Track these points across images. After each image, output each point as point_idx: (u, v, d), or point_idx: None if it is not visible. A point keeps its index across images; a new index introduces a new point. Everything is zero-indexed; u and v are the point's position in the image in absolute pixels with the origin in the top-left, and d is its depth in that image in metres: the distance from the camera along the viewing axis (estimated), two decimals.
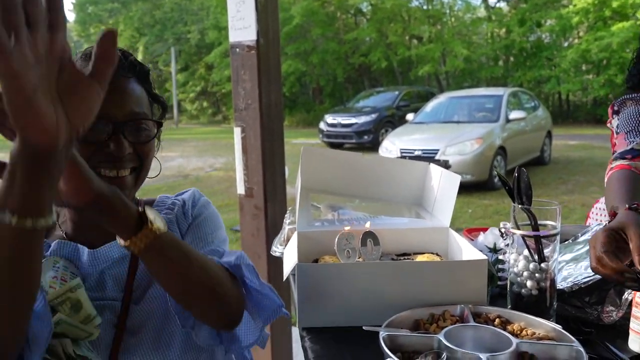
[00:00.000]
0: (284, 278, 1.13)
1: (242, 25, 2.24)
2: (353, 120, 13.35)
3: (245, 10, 2.21)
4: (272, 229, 2.32)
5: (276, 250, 1.41)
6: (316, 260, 1.29)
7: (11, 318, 0.66)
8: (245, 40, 2.23)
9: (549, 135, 10.00)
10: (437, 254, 1.32)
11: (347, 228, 1.33)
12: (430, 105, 10.13)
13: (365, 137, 13.10)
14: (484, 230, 1.51)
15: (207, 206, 1.10)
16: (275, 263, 2.35)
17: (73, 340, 0.81)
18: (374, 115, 13.41)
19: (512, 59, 21.58)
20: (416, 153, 7.79)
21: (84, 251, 0.93)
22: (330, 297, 1.07)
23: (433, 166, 1.56)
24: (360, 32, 22.90)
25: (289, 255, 1.22)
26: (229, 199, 7.29)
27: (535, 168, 9.36)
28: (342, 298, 1.07)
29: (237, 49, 2.26)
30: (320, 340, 1.04)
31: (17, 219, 0.58)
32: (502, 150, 8.00)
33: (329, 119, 13.84)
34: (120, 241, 0.74)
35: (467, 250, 1.21)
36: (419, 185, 1.59)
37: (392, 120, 13.54)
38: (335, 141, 13.62)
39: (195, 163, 11.71)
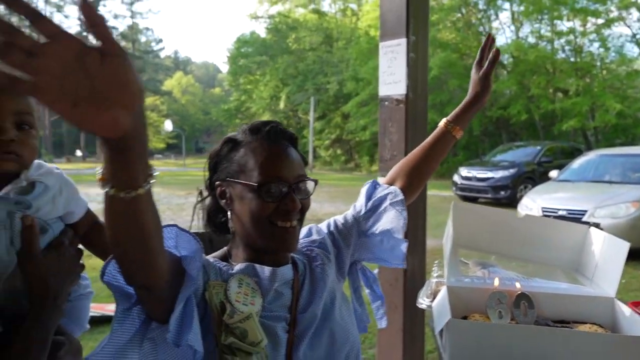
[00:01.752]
0: (436, 332, 1.12)
1: (393, 80, 2.32)
2: (489, 175, 12.84)
3: (396, 66, 2.30)
4: (411, 280, 2.31)
5: (422, 302, 1.40)
6: (465, 318, 1.27)
7: (142, 262, 0.79)
8: (394, 94, 2.31)
9: None
10: (601, 326, 1.22)
11: (496, 283, 1.29)
12: (577, 162, 9.43)
13: (502, 192, 12.50)
14: None
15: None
16: (412, 315, 2.32)
17: (247, 353, 0.96)
18: (512, 170, 12.78)
19: None
20: (560, 213, 7.24)
21: (264, 269, 1.10)
22: (483, 358, 1.04)
23: (594, 230, 1.46)
24: (499, 84, 22.29)
25: (439, 309, 1.21)
26: None
27: None
28: None
29: (386, 102, 2.35)
30: None
31: (113, 191, 0.69)
32: None
33: (464, 171, 13.47)
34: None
35: (638, 326, 1.10)
36: (577, 249, 1.50)
37: (532, 176, 12.80)
38: (470, 195, 13.18)
39: (327, 208, 12.03)
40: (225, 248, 1.19)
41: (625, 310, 1.18)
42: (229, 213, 1.13)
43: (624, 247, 1.23)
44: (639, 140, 20.03)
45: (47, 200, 0.99)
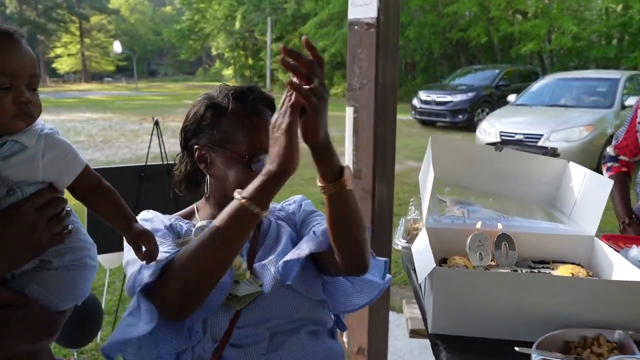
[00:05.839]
0: (420, 280, 1.07)
1: (363, 2, 2.16)
2: (448, 98, 12.87)
3: None
4: (379, 211, 2.27)
5: (399, 243, 1.36)
6: (444, 260, 1.23)
7: (217, 277, 0.96)
8: (364, 18, 2.15)
9: None
10: (580, 265, 1.20)
11: (478, 226, 1.25)
12: (535, 86, 9.50)
13: (460, 116, 12.61)
14: (635, 241, 1.36)
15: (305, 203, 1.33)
16: (380, 238, 2.31)
17: (236, 282, 1.07)
18: (470, 94, 12.84)
19: (627, 37, 19.70)
20: (517, 137, 7.37)
21: None
22: (469, 306, 1.00)
23: (573, 165, 1.42)
24: (460, 5, 21.87)
25: (421, 254, 1.16)
26: None
27: None
28: (483, 309, 1.00)
29: (356, 27, 2.19)
30: (454, 348, 0.98)
31: (258, 210, 0.92)
32: None
33: (423, 95, 13.45)
34: (319, 182, 0.98)
35: (620, 266, 1.09)
36: (554, 185, 1.47)
37: (490, 100, 12.92)
38: (428, 119, 13.25)
39: None
40: (193, 205, 1.24)
41: (605, 249, 1.16)
42: (207, 177, 1.19)
43: (607, 185, 1.20)
44: (591, 63, 20.36)
45: (20, 160, 0.89)
